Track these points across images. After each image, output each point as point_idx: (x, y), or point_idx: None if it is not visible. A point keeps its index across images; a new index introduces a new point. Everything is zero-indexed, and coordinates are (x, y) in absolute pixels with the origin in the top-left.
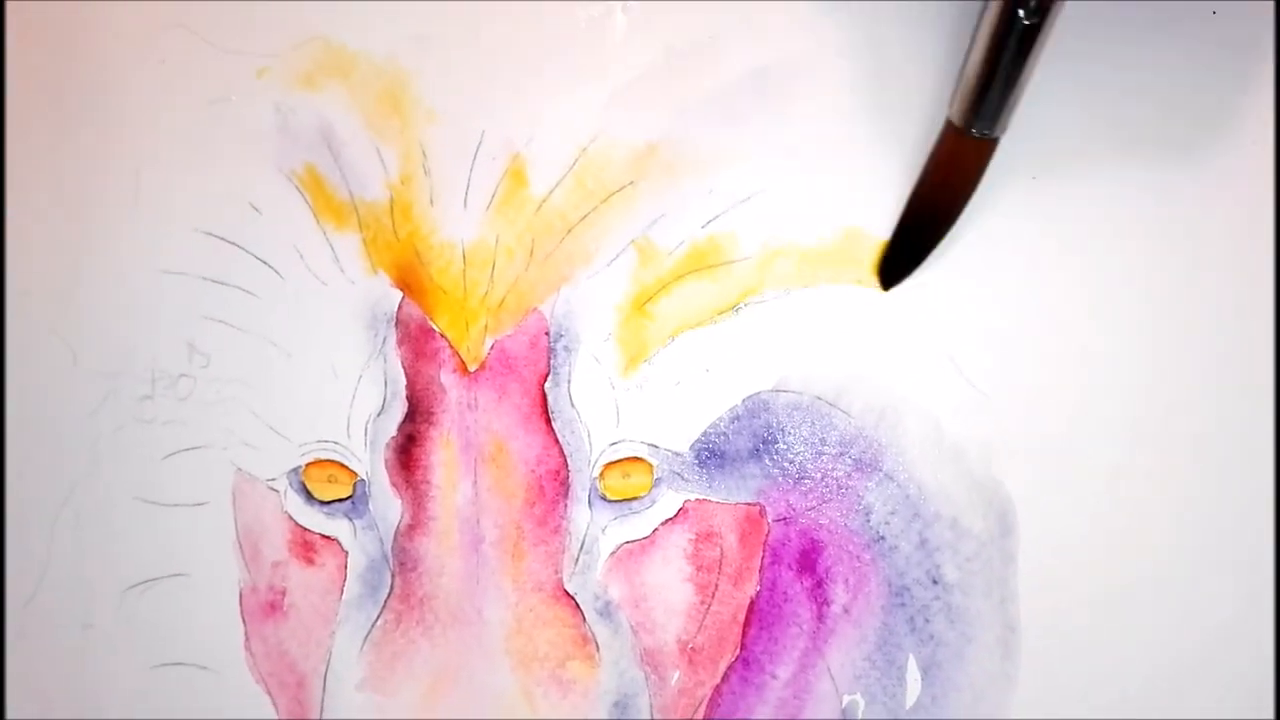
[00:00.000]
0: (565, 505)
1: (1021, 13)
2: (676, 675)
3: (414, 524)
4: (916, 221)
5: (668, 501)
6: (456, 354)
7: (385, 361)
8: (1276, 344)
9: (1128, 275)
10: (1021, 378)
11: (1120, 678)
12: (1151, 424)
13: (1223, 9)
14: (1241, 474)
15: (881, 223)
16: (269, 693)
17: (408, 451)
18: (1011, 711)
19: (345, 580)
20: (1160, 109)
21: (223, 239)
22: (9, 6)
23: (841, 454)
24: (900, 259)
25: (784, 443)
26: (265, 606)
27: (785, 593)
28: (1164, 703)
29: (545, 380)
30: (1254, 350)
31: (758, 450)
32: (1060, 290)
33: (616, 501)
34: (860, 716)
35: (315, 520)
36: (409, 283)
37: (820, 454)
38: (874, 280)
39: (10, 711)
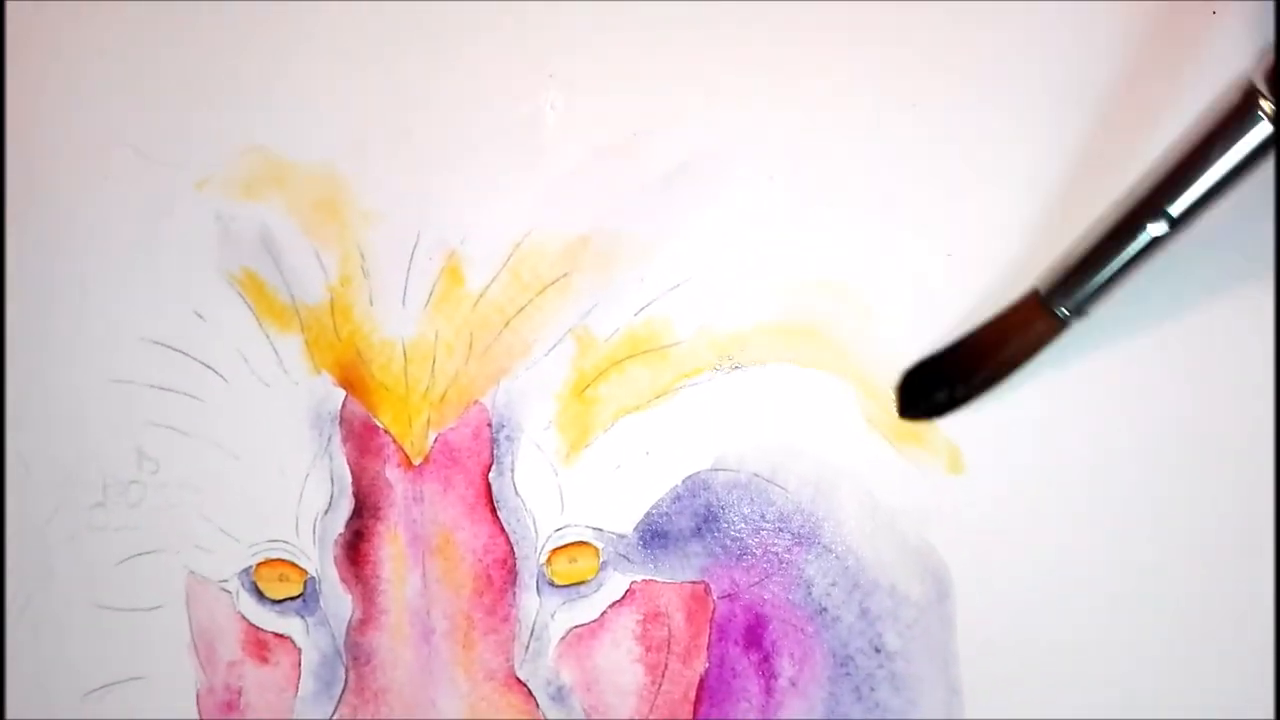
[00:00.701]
0: (514, 593)
1: (1150, 226)
2: None
3: (365, 618)
4: (959, 367)
5: (615, 584)
6: (401, 449)
7: (331, 460)
8: (1276, 359)
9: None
10: (948, 443)
11: None
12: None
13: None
14: (1200, 513)
15: (809, 305)
16: None
17: (356, 547)
18: None
19: (300, 677)
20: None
21: (168, 346)
22: None
23: (780, 529)
24: (921, 393)
25: (725, 520)
26: (222, 706)
27: (733, 668)
28: None
29: (489, 470)
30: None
31: (699, 529)
32: None
33: (564, 586)
34: None
35: (268, 619)
36: (352, 381)
37: (760, 529)
38: (892, 402)
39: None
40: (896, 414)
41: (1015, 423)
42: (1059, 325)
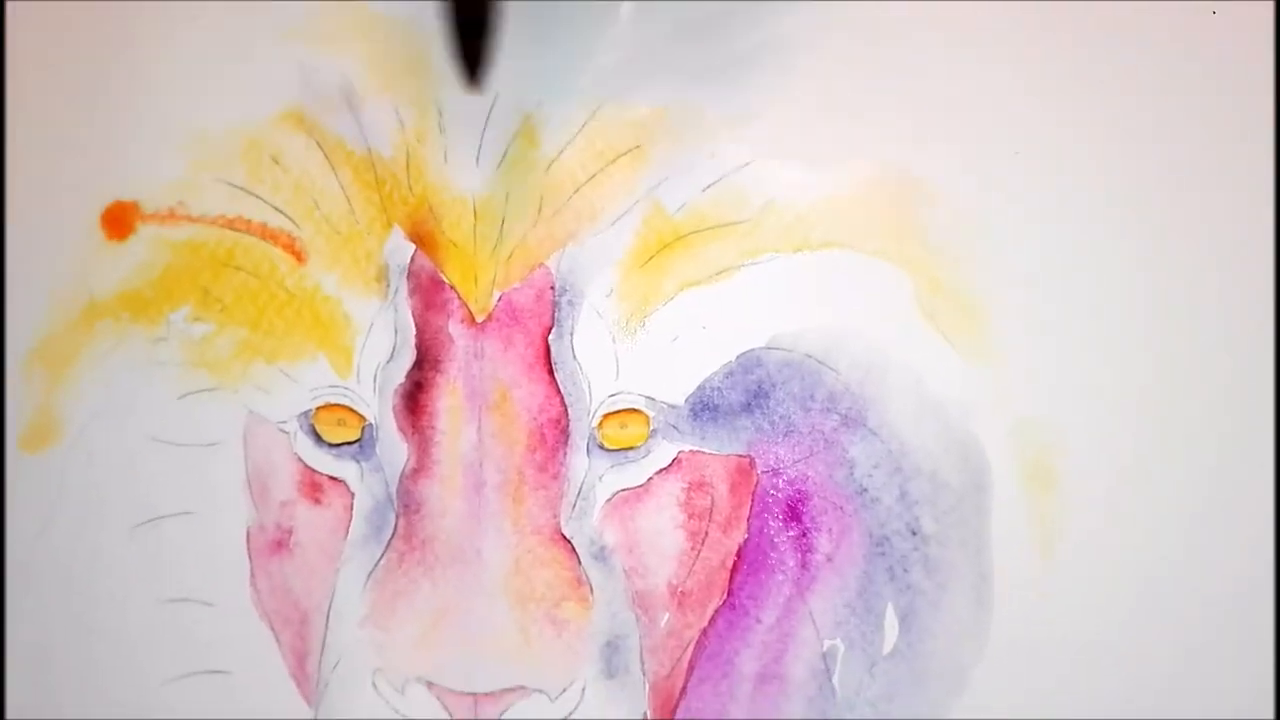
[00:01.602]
0: (565, 453)
1: None
2: (666, 618)
3: (419, 467)
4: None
5: (662, 452)
6: (465, 305)
7: (396, 311)
8: (1277, 344)
9: (1119, 262)
10: (999, 340)
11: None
12: (1135, 391)
13: (1222, 9)
14: (1239, 460)
15: (874, 194)
16: (272, 628)
17: (415, 398)
18: (985, 658)
19: (351, 520)
20: (1160, 108)
21: (243, 189)
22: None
23: (828, 409)
24: (467, 48)
25: (775, 398)
26: (272, 545)
27: (772, 541)
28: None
29: (549, 333)
30: (1254, 343)
31: (749, 405)
32: (1040, 261)
33: (614, 450)
34: (840, 660)
35: (324, 462)
36: (421, 236)
37: (808, 409)
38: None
39: (14, 666)
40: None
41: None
42: None
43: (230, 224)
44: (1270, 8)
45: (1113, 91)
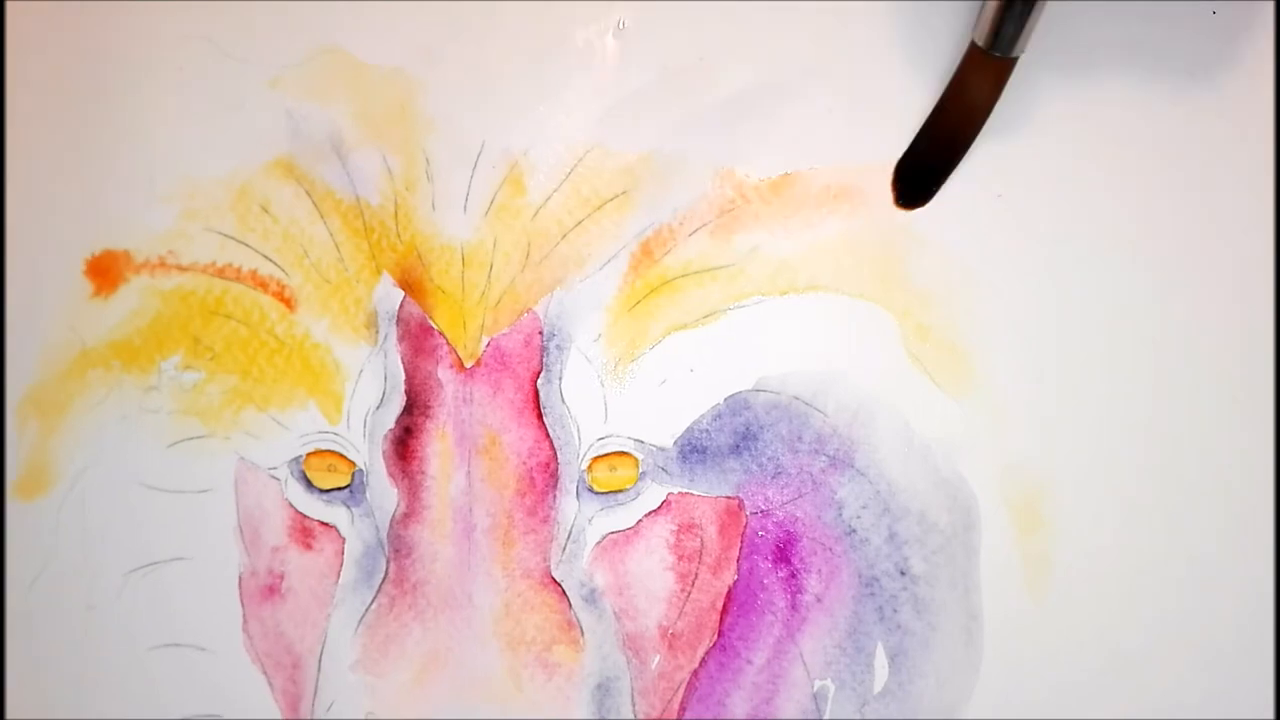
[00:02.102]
0: (554, 496)
1: None
2: (657, 660)
3: (409, 512)
4: (934, 140)
5: (652, 494)
6: (454, 351)
7: (385, 357)
8: (1276, 346)
9: (1106, 303)
10: (986, 381)
11: (1103, 669)
12: (1122, 431)
13: (1223, 9)
14: (1227, 498)
15: (860, 236)
16: (265, 673)
17: (405, 443)
18: (975, 698)
19: (342, 565)
20: (1160, 108)
21: (232, 238)
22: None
23: (816, 451)
24: (916, 178)
25: (763, 440)
26: (264, 590)
27: (761, 582)
28: (1156, 693)
29: (538, 377)
30: (1245, 382)
31: (738, 447)
32: (1026, 303)
33: (603, 493)
34: (830, 701)
35: (314, 507)
36: (410, 283)
37: (796, 450)
38: (890, 200)
39: (10, 710)
40: (895, 206)
41: (1049, 367)
42: (1005, 67)
43: (220, 272)
44: (1270, 8)
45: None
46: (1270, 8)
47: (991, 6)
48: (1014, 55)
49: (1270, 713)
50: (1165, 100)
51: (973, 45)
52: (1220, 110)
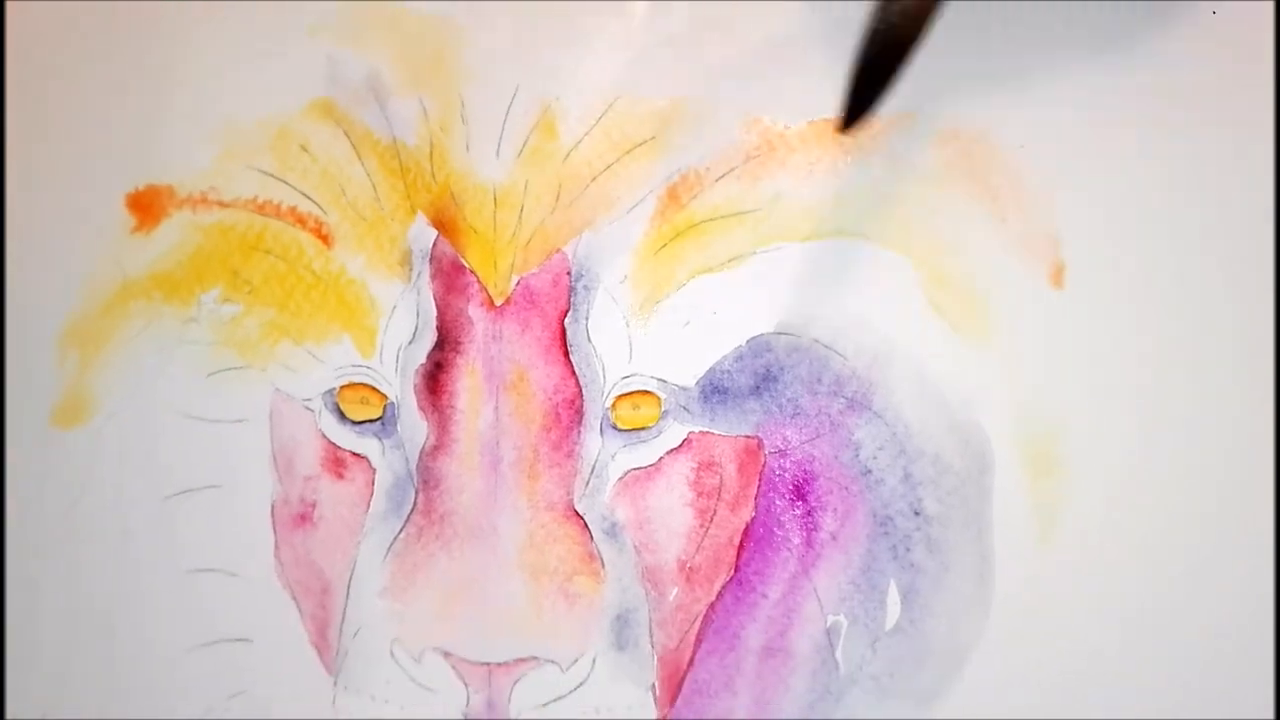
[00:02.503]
0: (579, 432)
1: None
2: (675, 592)
3: (438, 445)
4: (874, 58)
5: (673, 432)
6: (484, 289)
7: (419, 294)
8: (1277, 344)
9: (1120, 253)
10: (1002, 328)
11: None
12: (1135, 379)
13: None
14: (1239, 449)
15: (884, 184)
16: (295, 598)
17: (435, 378)
18: (985, 636)
19: (372, 495)
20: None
21: (272, 175)
22: None
23: (835, 393)
24: (860, 98)
25: (783, 381)
26: (296, 518)
27: (778, 519)
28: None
29: (565, 316)
30: (1255, 333)
31: (758, 388)
32: (1041, 250)
33: (626, 431)
34: (843, 636)
35: (347, 438)
36: (444, 222)
37: (816, 392)
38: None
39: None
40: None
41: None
42: None
43: (260, 208)
44: (1270, 8)
45: (1113, 91)
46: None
47: None
48: None
49: (1270, 713)
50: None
51: None
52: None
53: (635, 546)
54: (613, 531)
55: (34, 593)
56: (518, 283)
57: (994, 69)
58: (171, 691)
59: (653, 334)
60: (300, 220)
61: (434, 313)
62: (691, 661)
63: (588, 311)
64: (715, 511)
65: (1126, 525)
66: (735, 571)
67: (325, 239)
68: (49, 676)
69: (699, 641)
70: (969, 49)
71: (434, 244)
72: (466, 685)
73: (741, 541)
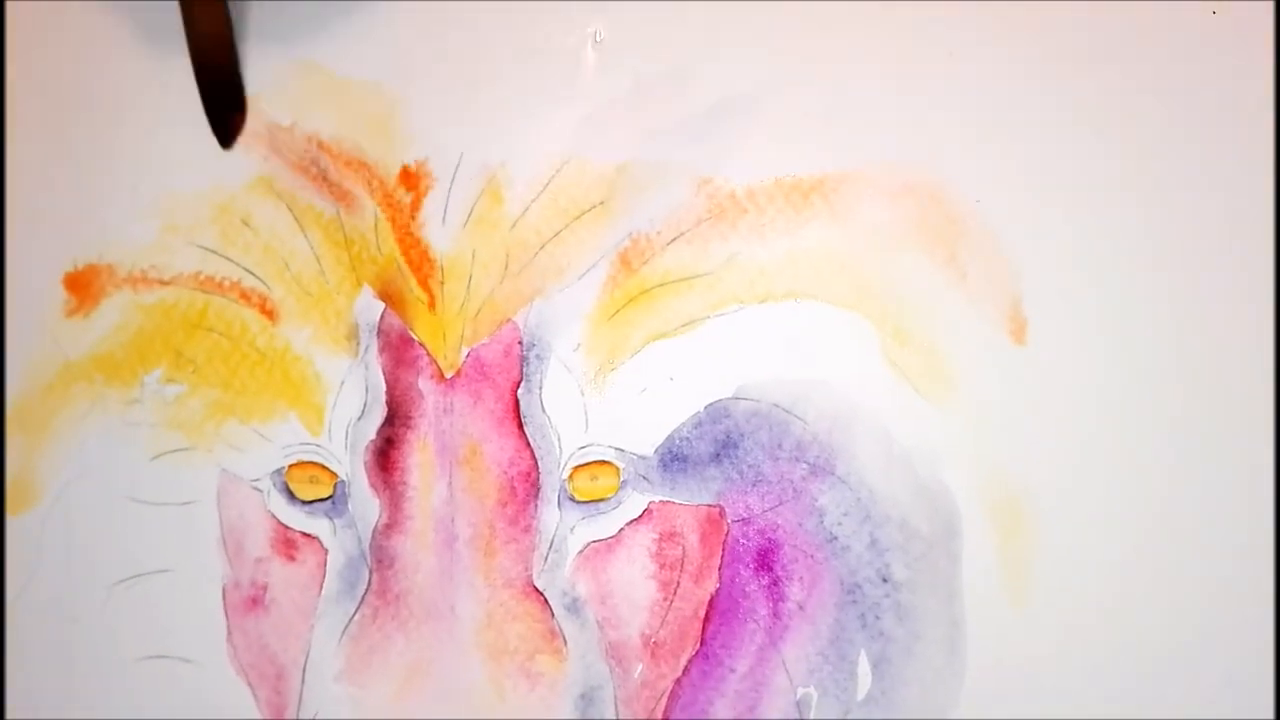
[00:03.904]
0: (536, 505)
1: None
2: (640, 668)
3: (391, 523)
4: (203, 76)
5: (633, 503)
6: (434, 362)
7: (367, 369)
8: (1276, 348)
9: (1083, 307)
10: (965, 388)
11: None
12: (1101, 437)
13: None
14: (1206, 504)
15: (837, 244)
16: (250, 684)
17: (386, 454)
18: (959, 705)
19: (325, 576)
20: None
21: (214, 252)
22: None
23: (797, 458)
24: (215, 116)
25: (743, 447)
26: (247, 601)
27: (743, 590)
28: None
29: (518, 387)
30: (1228, 388)
31: (718, 455)
32: (1003, 304)
33: (584, 502)
34: (814, 709)
35: (297, 519)
36: (390, 294)
37: (777, 458)
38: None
39: (10, 711)
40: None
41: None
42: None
43: (203, 285)
44: (1270, 8)
45: (1071, 140)
46: (1270, 8)
47: None
48: None
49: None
50: (1165, 100)
51: None
52: (1220, 110)
53: (598, 622)
54: (574, 607)
55: None
56: (468, 354)
57: (946, 122)
58: None
59: (609, 402)
60: (244, 296)
61: (383, 387)
62: None
63: (541, 381)
64: (679, 583)
65: (1099, 583)
66: (701, 645)
67: (270, 314)
68: None
69: (666, 718)
70: (921, 103)
71: (381, 317)
72: None
73: (707, 614)
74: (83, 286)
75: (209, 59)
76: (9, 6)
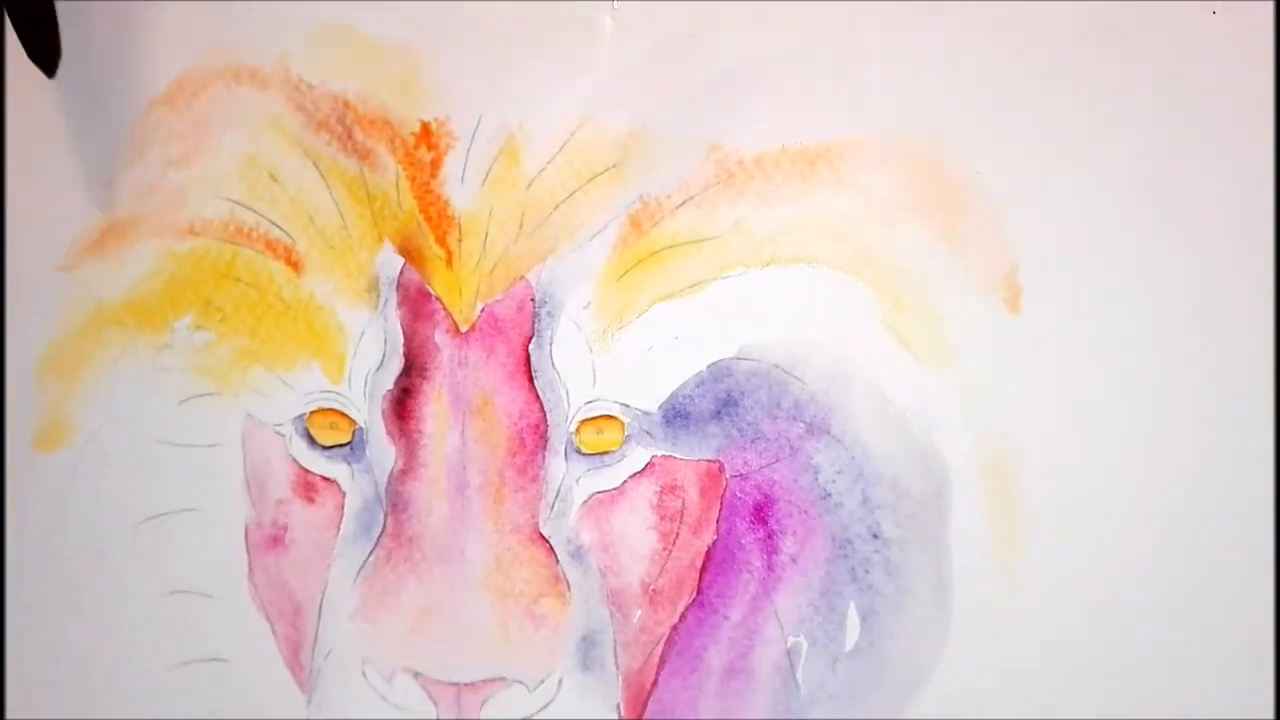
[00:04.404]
0: (544, 456)
1: None
2: (639, 614)
3: (406, 469)
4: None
5: (636, 456)
6: (450, 316)
7: (386, 321)
8: (1276, 345)
9: (1081, 279)
10: (960, 353)
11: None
12: (1094, 405)
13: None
14: (1197, 474)
15: (840, 211)
16: (269, 620)
17: (403, 403)
18: (944, 658)
19: (342, 518)
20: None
21: (242, 204)
22: None
23: (794, 417)
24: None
25: (743, 406)
26: (268, 540)
27: (739, 542)
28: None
29: (529, 342)
30: (1225, 360)
31: (719, 412)
32: (1000, 273)
33: (590, 455)
34: (803, 657)
35: (317, 463)
36: (409, 250)
37: (775, 417)
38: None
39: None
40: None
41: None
42: None
43: (231, 236)
44: (1270, 8)
45: (1070, 110)
46: (1270, 8)
47: None
48: None
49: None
50: (1165, 100)
51: None
52: (1220, 110)
53: (600, 569)
54: (578, 554)
55: (17, 613)
56: (483, 309)
57: (948, 94)
58: (150, 710)
59: (615, 359)
60: (270, 247)
61: (401, 339)
62: (655, 683)
63: (551, 337)
64: (678, 534)
65: (1085, 547)
66: (698, 594)
67: (295, 266)
68: (37, 685)
69: (662, 662)
70: (925, 74)
71: (400, 271)
72: (436, 705)
73: (704, 564)
74: (118, 234)
75: None
76: None
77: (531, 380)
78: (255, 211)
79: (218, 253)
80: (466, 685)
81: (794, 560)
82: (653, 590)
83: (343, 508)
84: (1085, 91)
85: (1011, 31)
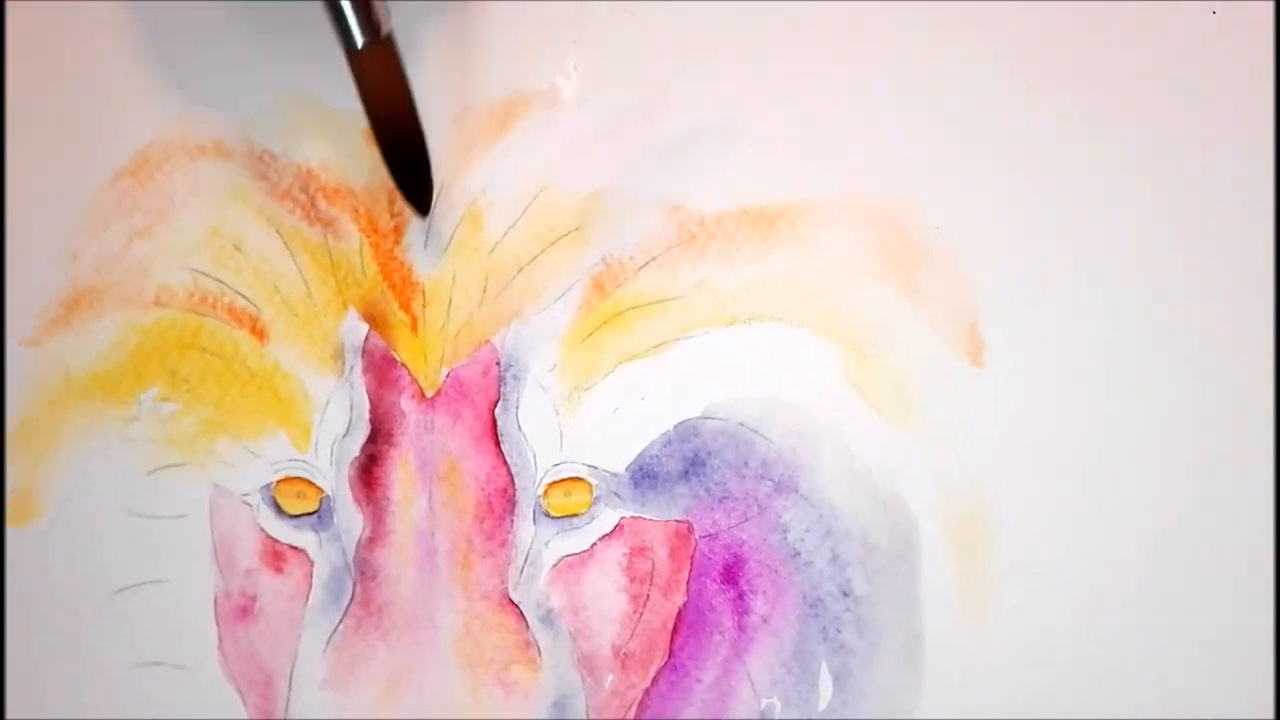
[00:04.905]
0: (512, 521)
1: None
2: (610, 678)
3: (374, 537)
4: (391, 144)
5: (605, 518)
6: (416, 382)
7: (351, 388)
8: (1276, 350)
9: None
10: (924, 409)
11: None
12: (1062, 458)
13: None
14: (1165, 524)
15: (803, 269)
16: (239, 690)
17: (369, 470)
18: (918, 715)
19: (311, 588)
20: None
21: (206, 274)
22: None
23: (762, 476)
24: (409, 183)
25: (711, 465)
26: (237, 611)
27: (710, 603)
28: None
29: (495, 406)
30: (1179, 412)
31: (687, 472)
32: (961, 326)
33: (558, 518)
34: (777, 717)
35: (285, 532)
36: (374, 316)
37: (743, 476)
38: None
39: (10, 712)
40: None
41: (997, 393)
42: (384, 49)
43: (196, 307)
44: (1270, 8)
45: (1033, 160)
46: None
47: (331, 12)
48: (383, 34)
49: None
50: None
51: (348, 51)
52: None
53: (571, 633)
54: (548, 619)
55: None
56: (448, 375)
57: (909, 154)
58: None
59: (582, 421)
60: (235, 316)
61: (367, 406)
62: None
63: (518, 401)
64: (648, 596)
65: (1056, 600)
66: (669, 656)
67: (260, 334)
68: None
69: None
70: (884, 135)
71: (365, 338)
72: None
73: (675, 626)
74: (85, 307)
75: (389, 120)
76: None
77: (498, 444)
78: (220, 281)
79: (183, 323)
80: None
81: (765, 620)
82: (624, 654)
83: (311, 576)
84: (1044, 146)
85: (969, 84)
